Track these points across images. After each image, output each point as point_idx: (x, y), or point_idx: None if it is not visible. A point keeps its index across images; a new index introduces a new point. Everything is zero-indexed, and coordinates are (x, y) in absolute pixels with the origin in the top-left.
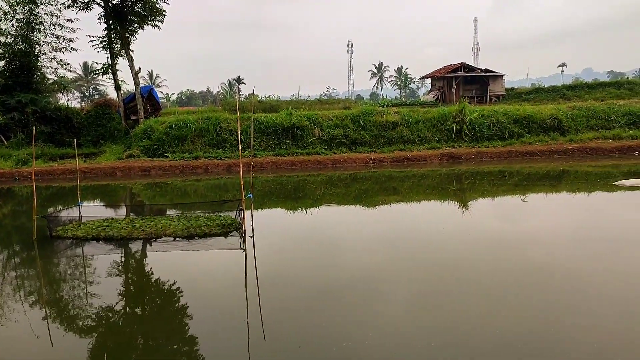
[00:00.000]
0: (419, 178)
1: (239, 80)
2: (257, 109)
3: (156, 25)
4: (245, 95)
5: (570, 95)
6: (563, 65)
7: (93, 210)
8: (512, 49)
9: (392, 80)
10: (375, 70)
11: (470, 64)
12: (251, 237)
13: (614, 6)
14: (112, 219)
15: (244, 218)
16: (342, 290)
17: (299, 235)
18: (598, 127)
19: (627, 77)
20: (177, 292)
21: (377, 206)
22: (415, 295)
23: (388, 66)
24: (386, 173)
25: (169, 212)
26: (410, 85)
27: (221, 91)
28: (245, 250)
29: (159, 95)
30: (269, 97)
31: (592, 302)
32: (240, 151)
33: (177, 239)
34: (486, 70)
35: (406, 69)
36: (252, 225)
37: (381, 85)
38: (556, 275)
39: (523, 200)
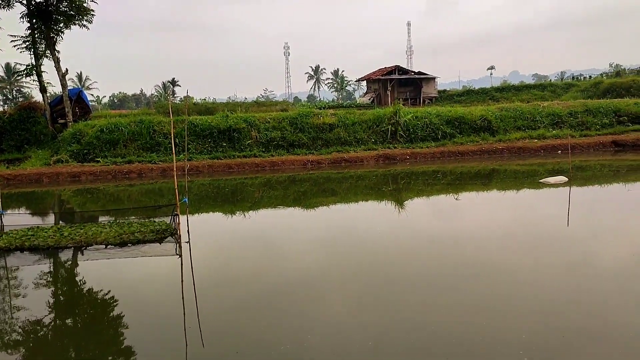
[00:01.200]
0: (356, 179)
1: (173, 83)
2: (193, 112)
3: (84, 25)
4: (181, 98)
5: (499, 97)
6: (492, 68)
7: (17, 219)
8: (444, 52)
9: (329, 83)
10: (312, 73)
11: (404, 66)
12: (187, 242)
13: (538, 12)
14: (38, 227)
15: (179, 223)
16: (281, 293)
17: (237, 239)
18: (524, 128)
19: (550, 80)
20: (111, 302)
21: (315, 208)
22: (354, 296)
23: (325, 68)
24: (324, 175)
25: (101, 218)
26: (346, 88)
27: (155, 94)
28: (181, 256)
29: (89, 98)
30: (205, 99)
31: (521, 296)
32: (174, 155)
33: (109, 247)
34: (419, 73)
35: (342, 71)
36: (188, 230)
37: (318, 87)
38: (489, 270)
39: (456, 199)
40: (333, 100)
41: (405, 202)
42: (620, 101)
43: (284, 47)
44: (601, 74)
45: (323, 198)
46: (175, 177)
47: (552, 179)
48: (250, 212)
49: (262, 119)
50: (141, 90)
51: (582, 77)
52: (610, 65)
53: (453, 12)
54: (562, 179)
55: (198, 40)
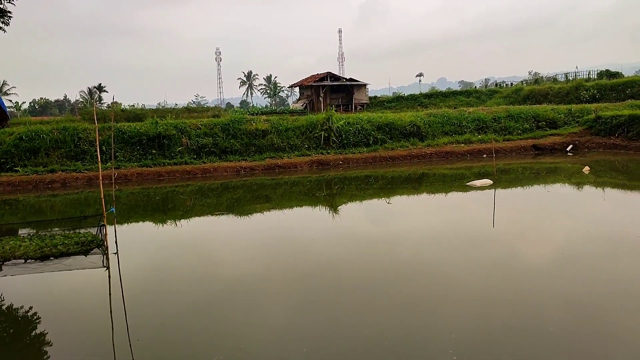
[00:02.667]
0: (290, 185)
1: (100, 88)
2: (121, 118)
3: (0, 28)
4: (108, 104)
5: (427, 103)
6: (420, 75)
7: None
8: (375, 60)
9: (262, 89)
10: (245, 79)
11: (336, 73)
12: (115, 253)
13: (464, 21)
14: None
15: (106, 234)
16: (216, 302)
17: (169, 249)
18: (451, 133)
19: (475, 87)
20: (33, 319)
21: (249, 215)
22: (290, 302)
23: (257, 74)
24: (258, 181)
25: (20, 231)
26: (280, 94)
27: (80, 100)
28: (108, 268)
29: (7, 104)
30: (134, 105)
31: (452, 296)
32: (100, 163)
33: (28, 261)
34: (351, 80)
35: (275, 77)
36: (116, 241)
37: (251, 93)
38: (421, 272)
39: (388, 203)
40: (266, 107)
41: (339, 207)
42: (539, 107)
43: (216, 53)
44: (522, 81)
45: (257, 205)
46: (101, 186)
47: (478, 182)
48: (182, 220)
49: (193, 125)
50: (65, 96)
51: (504, 84)
52: (530, 73)
53: (384, 20)
54: (488, 181)
55: (126, 45)
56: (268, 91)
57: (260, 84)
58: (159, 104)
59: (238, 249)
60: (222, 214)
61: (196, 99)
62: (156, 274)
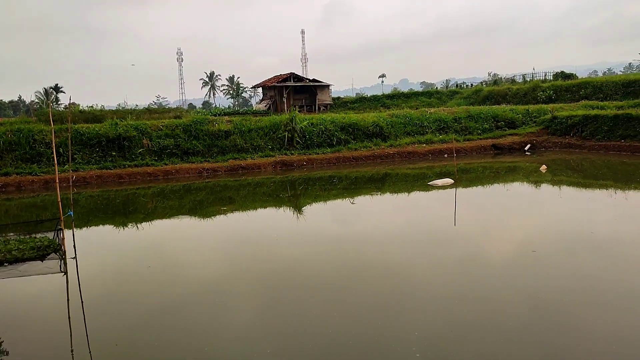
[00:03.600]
0: (254, 186)
1: (56, 89)
2: (79, 120)
3: None
4: (65, 105)
5: (390, 104)
6: (383, 76)
7: None
8: (338, 60)
9: (224, 89)
10: (207, 79)
11: (299, 74)
12: (73, 258)
13: (426, 24)
14: None
15: (63, 238)
16: (179, 306)
17: (131, 252)
18: (413, 133)
19: (437, 88)
20: None
21: (213, 217)
22: (255, 303)
23: (220, 75)
24: (221, 183)
25: None
26: (242, 95)
27: (36, 100)
28: (66, 273)
29: None
30: (92, 106)
31: (415, 293)
32: (56, 165)
33: None
34: (314, 81)
35: (238, 78)
36: (74, 246)
37: (214, 94)
38: (385, 271)
39: (352, 203)
40: (229, 107)
41: (304, 207)
42: (497, 107)
43: (177, 53)
44: (481, 82)
45: (220, 206)
46: (57, 189)
47: (439, 181)
48: (144, 223)
49: (155, 127)
50: (20, 97)
51: (465, 85)
52: (489, 74)
53: (347, 22)
54: (449, 181)
55: (84, 45)
56: (231, 92)
57: (222, 85)
58: (119, 105)
59: (202, 251)
60: (186, 216)
61: (157, 99)
62: (117, 278)
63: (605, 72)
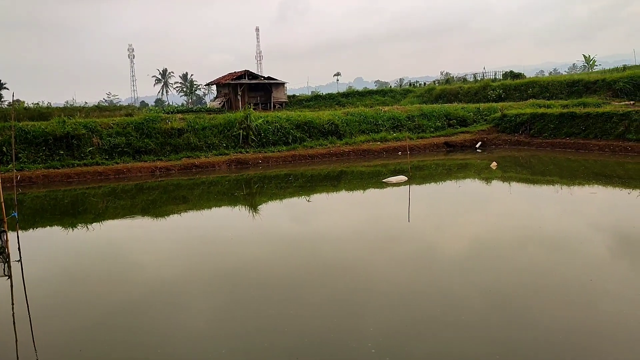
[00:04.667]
0: (208, 185)
1: (0, 85)
2: (24, 117)
3: None
4: (8, 102)
5: (345, 102)
6: (338, 74)
7: None
8: (294, 58)
9: (177, 87)
10: (160, 77)
11: (254, 71)
12: (18, 261)
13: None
14: None
15: (7, 240)
16: (131, 308)
17: (81, 254)
18: (368, 131)
19: (390, 86)
20: None
21: (166, 216)
22: (211, 304)
23: (173, 72)
24: (174, 182)
25: None
26: (196, 92)
27: None
28: (10, 277)
29: None
30: (38, 103)
31: (372, 290)
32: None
33: None
34: (269, 78)
35: (192, 75)
36: (19, 248)
37: (167, 91)
38: (341, 268)
39: (308, 201)
40: (182, 105)
41: (260, 206)
42: (449, 106)
43: (129, 50)
44: (434, 81)
45: (174, 206)
46: (0, 189)
47: (393, 179)
48: (95, 224)
49: (105, 125)
50: None
51: (418, 84)
52: (442, 73)
53: (303, 20)
54: (403, 178)
55: (30, 40)
56: (184, 89)
57: (176, 82)
58: (66, 102)
59: (155, 251)
60: (138, 216)
61: (108, 97)
62: (66, 281)
63: (551, 72)
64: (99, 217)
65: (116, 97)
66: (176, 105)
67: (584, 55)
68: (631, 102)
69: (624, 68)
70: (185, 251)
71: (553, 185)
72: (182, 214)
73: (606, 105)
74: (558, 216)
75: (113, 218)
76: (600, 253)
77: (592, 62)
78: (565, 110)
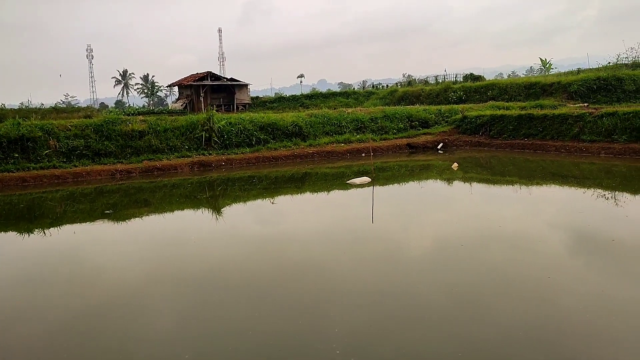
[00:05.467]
0: (171, 188)
1: None
2: None
3: None
4: None
5: (309, 104)
6: (302, 76)
7: None
8: (258, 60)
9: (138, 89)
10: (120, 78)
11: (217, 73)
12: None
13: (344, 24)
14: None
15: None
16: (92, 315)
17: (38, 259)
18: (332, 133)
19: (354, 88)
20: None
21: (127, 220)
22: (175, 308)
23: (133, 73)
24: (135, 185)
25: None
26: (158, 94)
27: None
28: None
29: None
30: None
31: (338, 291)
32: None
33: None
34: (232, 80)
35: (153, 76)
36: None
37: (127, 93)
38: (307, 270)
39: (272, 203)
40: (143, 107)
41: (223, 208)
42: (412, 108)
43: (87, 50)
44: (396, 83)
45: (135, 209)
46: None
47: (357, 180)
48: (52, 229)
49: (63, 127)
50: None
51: (380, 86)
52: (404, 75)
53: (267, 21)
54: (366, 179)
55: None
56: (145, 91)
57: (136, 84)
58: (21, 103)
59: (117, 256)
60: (99, 220)
61: (66, 98)
62: (22, 287)
63: (509, 74)
64: (57, 221)
65: (74, 98)
66: (137, 107)
67: (540, 58)
68: (585, 104)
69: (578, 71)
70: (148, 255)
71: (512, 185)
72: (143, 217)
73: (562, 107)
74: (517, 215)
75: (72, 222)
76: (557, 251)
77: (548, 65)
78: (523, 112)
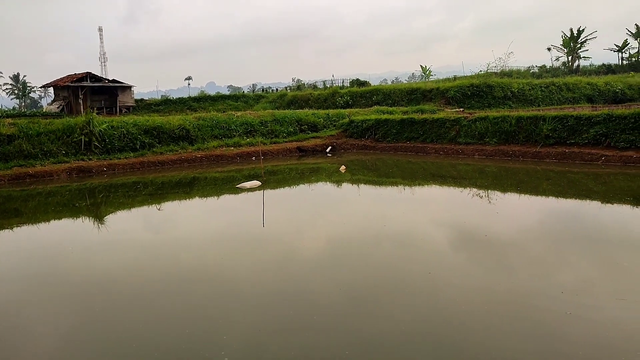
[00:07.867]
0: (45, 196)
1: None
2: None
3: None
4: None
5: (197, 107)
6: (189, 78)
7: None
8: (143, 61)
9: (7, 89)
10: None
11: (97, 73)
12: None
13: (234, 26)
14: None
15: None
16: None
17: None
18: (221, 136)
19: (243, 92)
20: None
21: None
22: (59, 325)
23: (1, 73)
24: (4, 193)
25: None
26: (30, 95)
27: None
28: None
29: None
30: None
31: (237, 295)
32: None
33: None
34: (114, 81)
35: (25, 76)
36: None
37: None
38: (203, 276)
39: (159, 210)
40: (14, 109)
41: (106, 216)
42: (301, 112)
43: None
44: (286, 87)
45: (4, 220)
46: None
47: (247, 184)
48: None
49: None
50: None
51: (270, 90)
52: (293, 79)
53: (154, 20)
54: (256, 183)
55: None
56: (16, 91)
57: (5, 84)
58: None
59: None
60: None
61: None
62: None
63: (393, 80)
64: None
65: None
66: (6, 109)
67: (421, 65)
68: (461, 109)
69: (455, 78)
70: (21, 271)
71: (397, 186)
72: (14, 229)
73: (440, 111)
74: (401, 214)
75: None
76: (437, 247)
77: (428, 72)
78: (405, 117)
